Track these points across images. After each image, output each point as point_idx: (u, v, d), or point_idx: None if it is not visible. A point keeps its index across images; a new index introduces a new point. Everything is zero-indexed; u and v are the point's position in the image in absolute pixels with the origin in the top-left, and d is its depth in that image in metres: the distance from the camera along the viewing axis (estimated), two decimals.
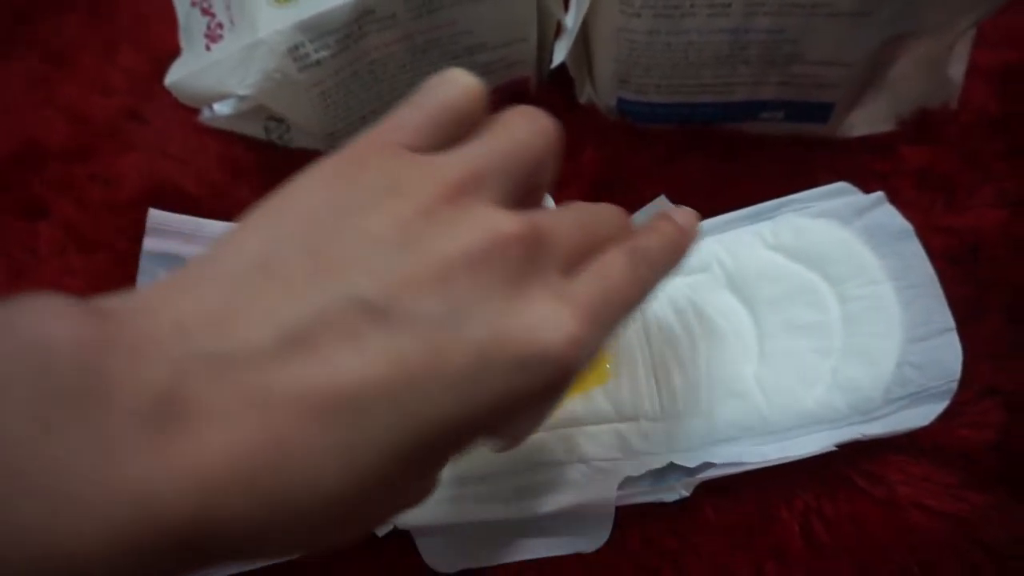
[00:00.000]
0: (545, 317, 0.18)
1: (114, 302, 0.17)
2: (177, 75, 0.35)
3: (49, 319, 0.16)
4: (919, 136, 0.38)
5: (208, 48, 0.35)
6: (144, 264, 0.36)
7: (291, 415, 0.16)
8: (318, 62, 0.34)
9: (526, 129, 0.21)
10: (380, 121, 0.21)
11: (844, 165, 0.38)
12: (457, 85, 0.22)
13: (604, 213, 0.23)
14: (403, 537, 0.33)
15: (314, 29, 0.33)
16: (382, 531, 0.32)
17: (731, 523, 0.32)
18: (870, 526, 0.31)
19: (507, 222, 0.19)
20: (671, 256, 0.23)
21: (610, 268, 0.21)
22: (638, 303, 0.22)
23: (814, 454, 0.31)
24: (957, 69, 0.36)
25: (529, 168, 0.21)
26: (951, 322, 0.32)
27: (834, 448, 0.31)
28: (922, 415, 0.31)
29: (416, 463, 0.18)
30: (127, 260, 0.39)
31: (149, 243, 0.36)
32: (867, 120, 0.38)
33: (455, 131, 0.21)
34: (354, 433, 0.16)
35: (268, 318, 0.17)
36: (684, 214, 0.25)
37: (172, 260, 0.36)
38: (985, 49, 0.37)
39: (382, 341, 0.17)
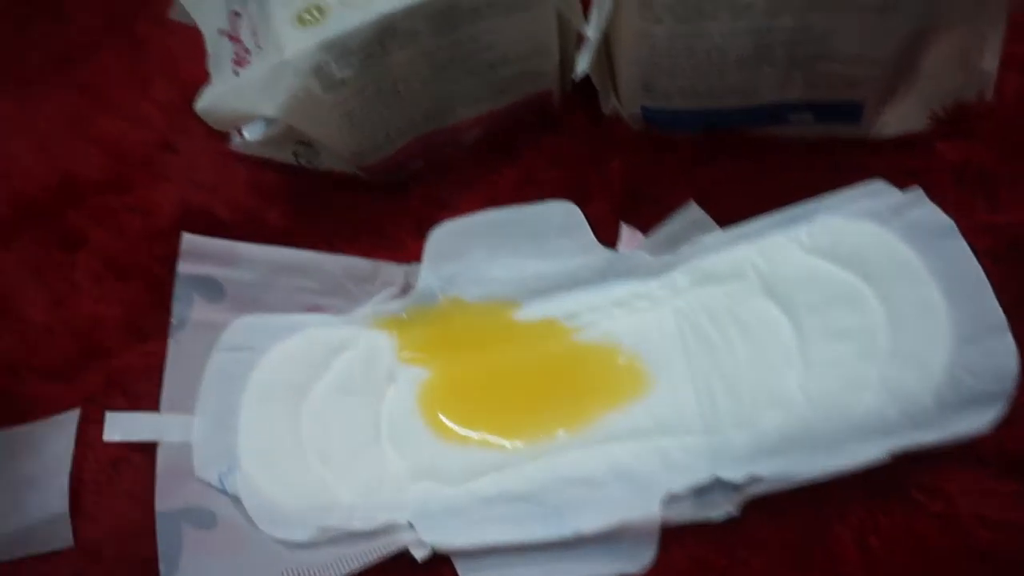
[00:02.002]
0: None
1: None
2: (207, 100, 0.33)
3: None
4: (954, 131, 0.35)
5: (236, 73, 0.33)
6: (179, 288, 0.35)
7: None
8: (342, 81, 0.33)
9: None
10: None
11: (878, 164, 0.35)
12: None
13: None
14: (443, 561, 0.31)
15: (338, 48, 0.32)
16: (421, 555, 0.30)
17: (782, 539, 0.30)
18: (931, 541, 0.28)
19: None
20: None
21: None
22: None
23: (868, 466, 0.28)
24: (990, 61, 0.34)
25: None
26: (1004, 320, 0.29)
27: (889, 458, 0.28)
28: (979, 420, 0.28)
29: None
30: (165, 287, 0.38)
31: (184, 267, 0.34)
32: (900, 118, 0.36)
33: None
34: None
35: None
36: None
37: (206, 283, 0.35)
38: (1018, 42, 0.35)
39: None
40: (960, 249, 0.30)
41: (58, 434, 0.36)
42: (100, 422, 0.36)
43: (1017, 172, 0.34)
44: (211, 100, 0.33)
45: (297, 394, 0.34)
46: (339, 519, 0.31)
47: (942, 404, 0.28)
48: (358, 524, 0.31)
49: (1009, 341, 0.28)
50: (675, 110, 0.37)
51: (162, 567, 0.30)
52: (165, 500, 0.31)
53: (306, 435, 0.33)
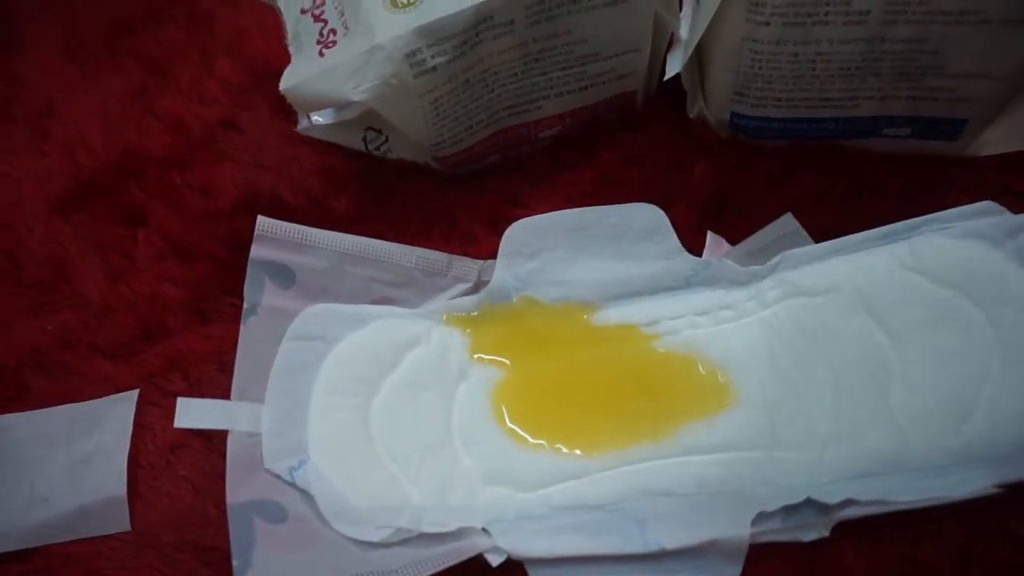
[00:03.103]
0: None
1: None
2: (292, 80, 0.32)
3: None
4: None
5: (321, 54, 0.32)
6: (252, 271, 0.33)
7: None
8: (434, 68, 0.31)
9: None
10: None
11: (977, 184, 0.34)
12: None
13: None
14: (515, 567, 0.29)
15: (432, 34, 0.31)
16: (496, 561, 0.29)
17: (874, 566, 0.28)
18: None
19: None
20: None
21: None
22: None
23: (972, 495, 0.27)
24: None
25: None
26: None
27: (996, 490, 0.26)
28: None
29: None
30: (227, 269, 0.37)
31: (257, 251, 0.33)
32: (1002, 137, 0.34)
33: None
34: None
35: None
36: None
37: (278, 268, 0.33)
38: None
39: None
40: None
41: (117, 414, 0.34)
42: (158, 404, 0.35)
43: None
44: (296, 81, 0.32)
45: (368, 388, 0.32)
46: (410, 520, 0.30)
47: None
48: (429, 527, 0.30)
49: None
50: (767, 117, 0.35)
51: (235, 561, 0.28)
52: (236, 491, 0.30)
53: (376, 431, 0.32)
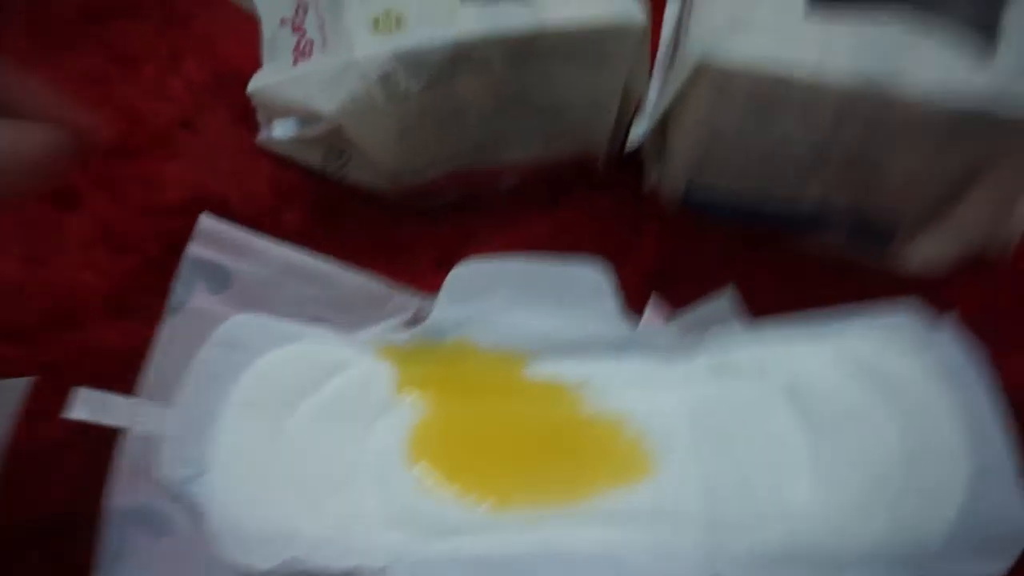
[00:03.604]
0: None
1: None
2: (262, 82, 0.31)
3: None
4: (975, 278, 0.35)
5: (295, 63, 0.31)
6: (185, 270, 0.31)
7: None
8: (406, 94, 0.31)
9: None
10: None
11: (899, 293, 0.35)
12: None
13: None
14: None
15: (410, 60, 0.31)
16: None
17: None
18: None
19: None
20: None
21: None
22: None
23: None
24: (1020, 218, 0.34)
25: None
26: (1019, 475, 0.28)
27: None
28: (987, 571, 0.27)
29: None
30: (157, 267, 0.35)
31: (195, 249, 0.31)
32: (926, 256, 0.35)
33: None
34: None
35: None
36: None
37: (214, 270, 0.31)
38: None
39: None
40: (988, 395, 0.29)
41: (3, 399, 0.32)
42: (58, 395, 0.32)
43: None
44: (265, 83, 0.31)
45: (285, 408, 0.31)
46: (303, 552, 0.28)
47: (952, 548, 0.27)
48: (322, 561, 0.28)
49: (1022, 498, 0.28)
50: (717, 200, 0.36)
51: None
52: (119, 496, 0.27)
53: (285, 454, 0.30)
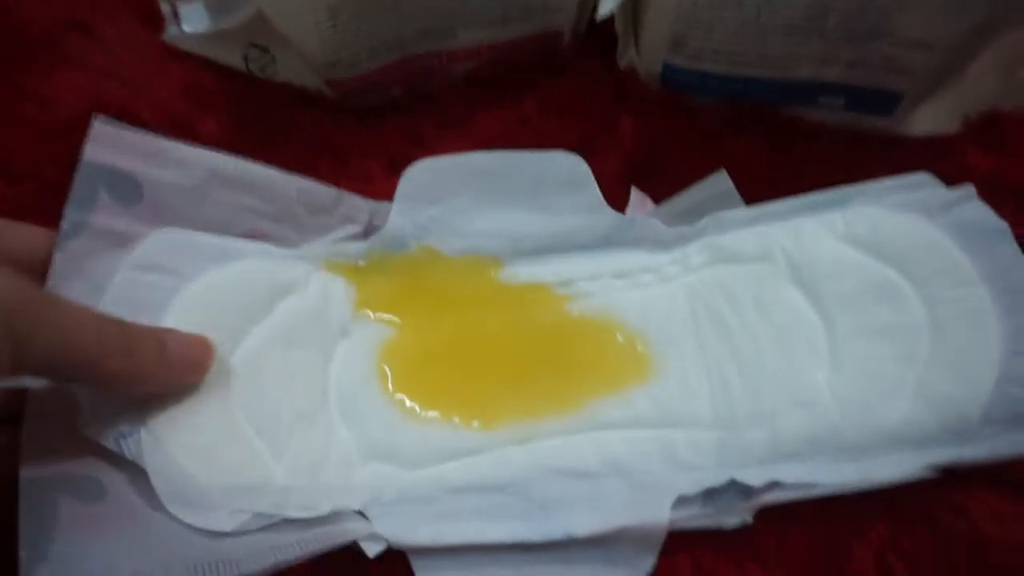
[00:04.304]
0: None
1: None
2: None
3: None
4: (985, 140, 0.32)
5: None
6: (81, 181, 0.25)
7: None
8: None
9: None
10: None
11: (904, 163, 0.32)
12: None
13: None
14: (397, 558, 0.24)
15: None
16: (373, 550, 0.24)
17: (797, 555, 0.25)
18: (957, 567, 0.25)
19: None
20: None
21: None
22: None
23: (902, 481, 0.24)
24: None
25: None
26: None
27: (925, 474, 0.24)
28: None
29: None
30: (56, 192, 0.29)
31: (92, 153, 0.25)
32: (932, 118, 0.33)
33: None
34: None
35: None
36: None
37: (119, 179, 0.26)
38: None
39: None
40: (1014, 254, 0.26)
41: None
42: None
43: None
44: None
45: (229, 340, 0.26)
46: (272, 503, 0.24)
47: (988, 419, 0.25)
48: (296, 511, 0.24)
49: None
50: (702, 72, 0.32)
51: (23, 552, 0.21)
52: (34, 463, 0.22)
53: (236, 393, 0.25)
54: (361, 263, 0.30)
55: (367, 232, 0.30)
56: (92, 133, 0.25)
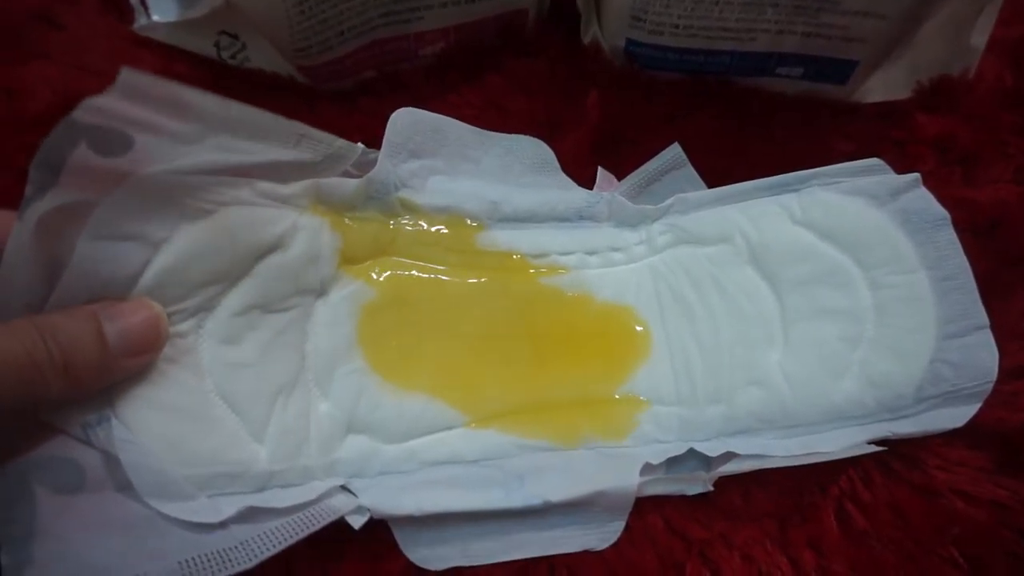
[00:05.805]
0: None
1: None
2: None
3: None
4: (935, 105, 0.33)
5: None
6: (56, 136, 0.21)
7: None
8: None
9: None
10: None
11: (859, 131, 0.33)
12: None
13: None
14: (380, 528, 0.25)
15: None
16: (358, 522, 0.24)
17: (762, 511, 0.27)
18: (910, 514, 0.26)
19: None
20: None
21: None
22: None
23: (844, 454, 0.26)
24: (979, 38, 0.32)
25: None
26: (986, 319, 0.27)
27: (866, 448, 0.26)
28: (956, 416, 0.27)
29: None
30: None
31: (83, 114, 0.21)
32: (884, 85, 0.33)
33: None
34: None
35: None
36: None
37: (108, 134, 0.21)
38: (999, 25, 0.33)
39: None
40: (951, 242, 0.28)
41: None
42: None
43: (995, 152, 0.32)
44: None
45: (202, 304, 0.24)
46: (256, 488, 0.24)
47: (921, 397, 0.27)
48: (280, 499, 0.24)
49: (990, 340, 0.27)
50: (663, 46, 0.32)
51: (5, 557, 0.20)
52: (5, 450, 0.21)
53: (210, 370, 0.24)
54: (347, 215, 0.28)
55: (351, 175, 0.28)
56: (119, 82, 0.22)
